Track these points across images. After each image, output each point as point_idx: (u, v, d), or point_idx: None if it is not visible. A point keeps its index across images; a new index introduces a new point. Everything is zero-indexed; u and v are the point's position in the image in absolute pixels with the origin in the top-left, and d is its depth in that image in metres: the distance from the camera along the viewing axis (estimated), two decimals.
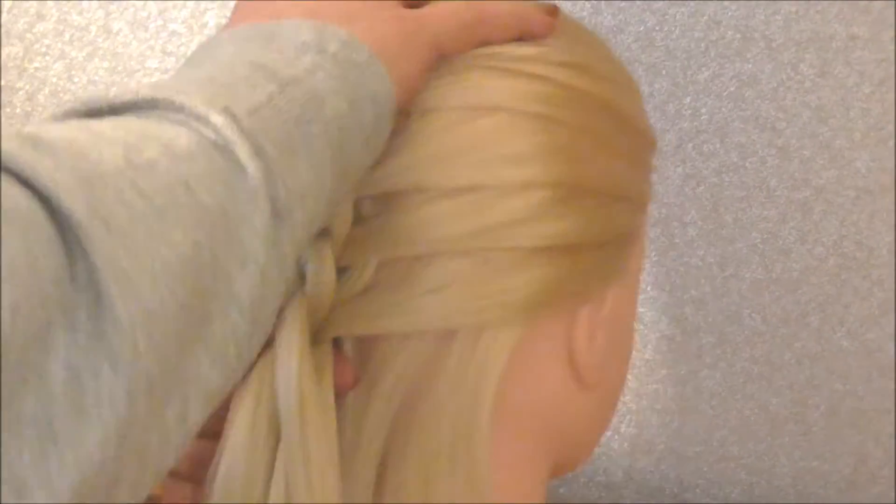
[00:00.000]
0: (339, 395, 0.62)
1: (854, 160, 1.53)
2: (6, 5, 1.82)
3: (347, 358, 0.63)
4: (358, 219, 0.62)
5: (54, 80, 1.84)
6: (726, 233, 1.59)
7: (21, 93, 1.86)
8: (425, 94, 0.62)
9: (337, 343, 0.63)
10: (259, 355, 0.60)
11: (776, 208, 1.56)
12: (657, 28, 1.55)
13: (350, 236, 0.61)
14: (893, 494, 1.60)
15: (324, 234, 0.60)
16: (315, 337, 0.61)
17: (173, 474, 0.65)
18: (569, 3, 1.57)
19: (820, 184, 1.54)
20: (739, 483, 1.66)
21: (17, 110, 1.86)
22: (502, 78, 0.64)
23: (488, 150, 0.62)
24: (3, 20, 1.84)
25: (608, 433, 1.71)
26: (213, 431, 0.62)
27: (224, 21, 1.78)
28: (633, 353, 1.66)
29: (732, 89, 1.54)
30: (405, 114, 0.62)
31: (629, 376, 1.68)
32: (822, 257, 1.56)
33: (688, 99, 1.56)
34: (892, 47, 1.48)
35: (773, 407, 1.62)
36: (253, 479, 0.58)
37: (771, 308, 1.59)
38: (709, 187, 1.58)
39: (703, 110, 1.56)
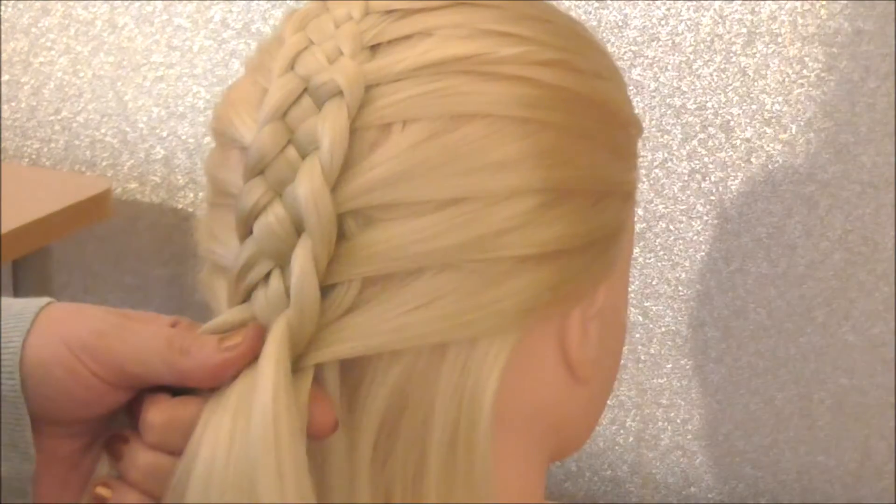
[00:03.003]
0: (317, 436, 0.61)
1: (859, 155, 1.53)
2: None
3: (328, 395, 0.62)
4: (341, 235, 0.62)
5: (59, 74, 1.84)
6: (732, 227, 1.59)
7: (26, 87, 1.86)
8: (405, 104, 0.62)
9: (319, 370, 0.62)
10: (244, 371, 0.61)
11: (782, 203, 1.56)
12: (663, 22, 1.56)
13: (334, 254, 0.61)
14: None
15: (306, 252, 0.60)
16: (299, 362, 0.62)
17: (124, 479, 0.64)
18: None
19: (825, 178, 1.54)
20: (745, 477, 1.66)
21: (23, 105, 1.86)
22: (483, 83, 0.63)
23: (473, 160, 0.61)
24: (7, 15, 1.84)
25: (613, 428, 1.71)
26: (170, 446, 0.62)
27: (229, 16, 1.79)
28: (639, 347, 1.66)
29: (738, 84, 1.55)
30: (386, 125, 0.62)
31: (634, 370, 1.68)
32: (828, 252, 1.56)
33: (693, 94, 1.56)
34: None
35: (779, 401, 1.62)
36: (228, 498, 0.58)
37: (776, 303, 1.60)
38: (714, 182, 1.58)
39: (709, 105, 1.56)
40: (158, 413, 0.62)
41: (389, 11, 0.65)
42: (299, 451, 0.59)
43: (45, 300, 0.65)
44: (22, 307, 0.64)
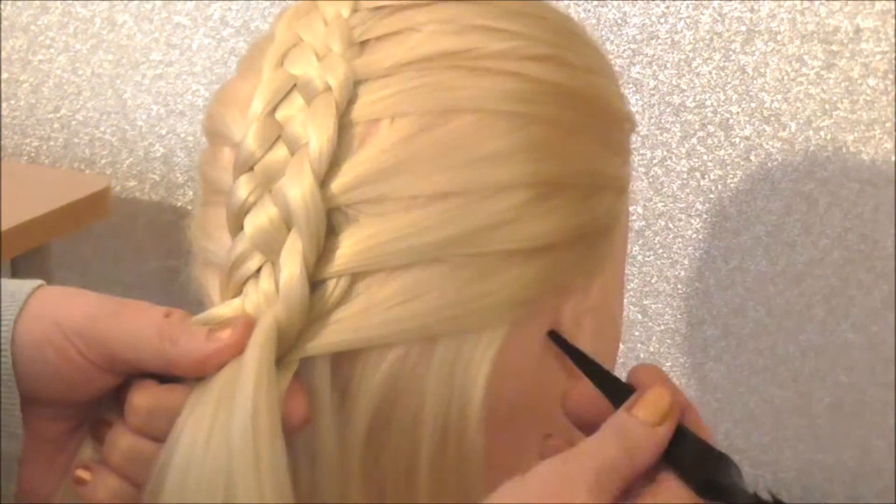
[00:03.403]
0: (288, 429, 0.61)
1: (859, 153, 1.53)
2: None
3: (303, 389, 0.62)
4: (331, 231, 0.61)
5: (58, 72, 1.84)
6: (731, 225, 1.59)
7: (25, 85, 1.86)
8: (393, 99, 0.62)
9: (311, 364, 0.62)
10: (230, 363, 0.61)
11: (781, 201, 1.56)
12: (661, 21, 1.55)
13: (323, 249, 0.61)
14: None
15: (295, 248, 0.60)
16: (286, 356, 0.61)
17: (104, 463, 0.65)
18: None
19: (824, 176, 1.54)
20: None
21: (21, 103, 1.86)
22: (472, 77, 0.63)
23: (462, 154, 0.61)
24: (6, 13, 1.84)
25: None
26: (152, 432, 0.62)
27: (228, 14, 1.79)
28: (638, 346, 1.66)
29: (737, 82, 1.54)
30: (374, 121, 0.62)
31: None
32: (827, 250, 1.56)
33: (692, 92, 1.56)
34: None
35: (778, 400, 1.62)
36: (205, 487, 0.58)
37: (775, 300, 1.59)
38: (713, 180, 1.58)
39: (708, 103, 1.56)
40: (144, 397, 0.62)
41: (378, 8, 0.65)
42: (277, 444, 0.59)
43: (38, 282, 0.65)
44: (16, 287, 0.64)
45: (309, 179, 0.60)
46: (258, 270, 0.62)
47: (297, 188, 0.60)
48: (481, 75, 0.64)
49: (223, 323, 0.62)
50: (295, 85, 0.63)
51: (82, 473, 0.64)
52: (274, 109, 0.62)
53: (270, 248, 0.62)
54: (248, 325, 0.61)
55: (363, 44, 0.64)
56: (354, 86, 0.62)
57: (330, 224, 0.62)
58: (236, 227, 0.63)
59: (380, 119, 0.62)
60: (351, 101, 0.62)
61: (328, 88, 0.62)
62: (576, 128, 0.66)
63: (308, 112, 0.62)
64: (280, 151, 0.62)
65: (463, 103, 0.63)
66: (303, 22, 0.65)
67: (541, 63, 0.65)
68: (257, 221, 0.62)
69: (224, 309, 0.63)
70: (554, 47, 0.66)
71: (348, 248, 0.62)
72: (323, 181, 0.61)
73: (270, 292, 0.62)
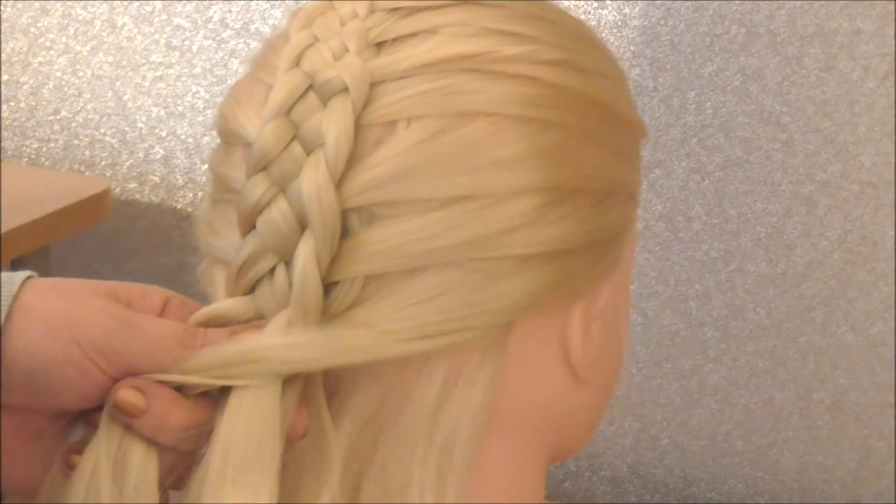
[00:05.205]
0: (290, 439, 0.61)
1: (858, 154, 1.53)
2: None
3: (305, 401, 0.62)
4: (345, 232, 0.61)
5: (59, 74, 1.84)
6: (731, 227, 1.59)
7: (25, 87, 1.86)
8: (409, 102, 0.62)
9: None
10: None
11: (780, 203, 1.56)
12: (662, 23, 1.56)
13: (337, 251, 0.61)
14: None
15: (309, 249, 0.60)
16: None
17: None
18: None
19: (824, 178, 1.55)
20: (744, 478, 1.67)
21: (21, 105, 1.86)
22: (487, 81, 0.63)
23: (476, 158, 0.61)
24: (6, 14, 1.84)
25: (612, 428, 1.71)
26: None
27: (228, 16, 1.79)
28: (638, 347, 1.66)
29: (737, 84, 1.55)
30: (391, 122, 0.62)
31: (633, 370, 1.68)
32: (827, 252, 1.56)
33: (692, 93, 1.56)
34: None
35: (778, 401, 1.62)
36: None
37: (775, 302, 1.60)
38: (713, 182, 1.58)
39: (708, 105, 1.56)
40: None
41: (395, 9, 0.65)
42: (277, 445, 0.59)
43: (24, 274, 0.65)
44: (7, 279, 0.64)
45: (325, 179, 0.60)
46: (271, 271, 0.62)
47: (313, 187, 0.60)
48: (497, 79, 0.64)
49: (240, 324, 0.62)
50: (311, 85, 0.63)
51: (77, 459, 0.64)
52: (289, 109, 0.62)
53: (283, 248, 0.62)
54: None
55: (380, 45, 0.64)
56: (370, 87, 0.62)
57: (344, 225, 0.62)
58: (248, 225, 0.63)
59: (396, 121, 0.62)
60: (367, 102, 0.62)
61: (344, 89, 0.62)
62: (588, 133, 0.66)
63: (324, 113, 0.62)
64: (295, 152, 0.62)
65: (478, 107, 0.63)
66: (318, 22, 0.65)
67: (555, 68, 0.65)
68: (271, 221, 0.62)
69: (233, 304, 0.63)
70: (567, 52, 0.66)
71: (362, 250, 0.62)
72: (338, 182, 0.61)
73: (285, 293, 0.62)
